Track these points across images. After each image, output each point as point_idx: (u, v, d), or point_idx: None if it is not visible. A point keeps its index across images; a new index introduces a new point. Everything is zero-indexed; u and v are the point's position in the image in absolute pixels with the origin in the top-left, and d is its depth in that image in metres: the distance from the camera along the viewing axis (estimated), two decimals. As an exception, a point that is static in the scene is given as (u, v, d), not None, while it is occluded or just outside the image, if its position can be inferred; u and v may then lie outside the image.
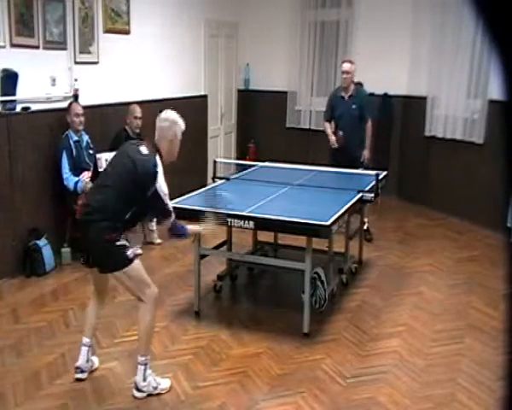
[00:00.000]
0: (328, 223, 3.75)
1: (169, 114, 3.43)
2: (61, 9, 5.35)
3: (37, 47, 5.13)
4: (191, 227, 3.55)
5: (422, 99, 7.32)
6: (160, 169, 3.26)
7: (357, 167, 5.62)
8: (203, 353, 3.79)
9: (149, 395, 3.29)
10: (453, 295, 4.87)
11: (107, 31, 5.96)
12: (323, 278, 4.21)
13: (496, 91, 5.80)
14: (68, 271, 5.18)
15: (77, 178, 5.18)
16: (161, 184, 3.24)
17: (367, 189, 4.76)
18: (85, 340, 3.45)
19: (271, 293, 5.14)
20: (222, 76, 8.35)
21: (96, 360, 3.57)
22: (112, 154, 5.35)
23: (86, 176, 5.22)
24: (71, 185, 5.17)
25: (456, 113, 6.93)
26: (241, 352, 3.81)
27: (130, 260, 3.20)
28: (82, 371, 3.42)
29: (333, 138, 6.00)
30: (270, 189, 4.77)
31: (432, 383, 3.47)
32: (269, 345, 3.89)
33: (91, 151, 5.41)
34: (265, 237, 5.30)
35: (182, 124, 3.44)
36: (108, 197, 3.21)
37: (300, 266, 3.98)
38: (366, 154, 6.01)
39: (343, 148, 5.91)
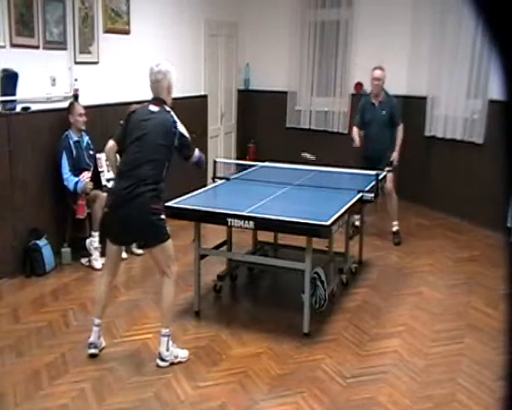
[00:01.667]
0: (328, 223, 3.75)
1: (160, 67, 3.61)
2: (61, 9, 5.35)
3: (37, 47, 5.13)
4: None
5: (422, 99, 7.32)
6: (176, 117, 3.57)
7: (381, 169, 5.64)
8: (203, 353, 3.79)
9: (171, 363, 3.58)
10: (453, 295, 4.87)
11: (107, 31, 5.96)
12: (323, 278, 4.21)
13: (496, 91, 5.80)
14: (68, 271, 5.18)
15: (77, 179, 5.19)
16: (183, 130, 3.59)
17: (367, 189, 4.76)
18: (96, 321, 3.67)
19: (271, 293, 5.14)
20: (222, 76, 8.35)
21: (102, 340, 3.78)
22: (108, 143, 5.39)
23: (86, 176, 5.23)
24: (71, 186, 5.17)
25: (456, 113, 6.93)
26: (241, 352, 3.81)
27: (169, 235, 3.53)
28: (95, 347, 3.66)
29: (357, 138, 6.12)
30: (270, 189, 4.77)
31: (432, 383, 3.47)
32: (269, 345, 3.89)
33: (91, 151, 5.42)
34: (265, 237, 5.30)
35: (173, 69, 3.67)
36: (145, 169, 3.44)
37: (300, 266, 3.98)
38: (396, 156, 6.13)
39: (371, 152, 6.03)
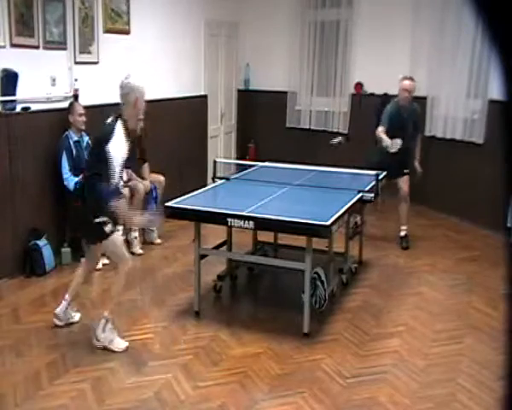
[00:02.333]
0: (328, 223, 3.75)
1: (127, 81, 3.75)
2: (61, 9, 5.35)
3: (37, 47, 5.13)
4: (122, 208, 3.73)
5: (422, 99, 7.31)
6: (117, 133, 3.58)
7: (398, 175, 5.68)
8: (203, 353, 3.78)
9: (105, 349, 3.75)
10: (453, 295, 4.87)
11: (107, 31, 5.96)
12: (323, 278, 4.21)
13: (496, 91, 5.80)
14: (68, 271, 5.17)
15: (77, 179, 5.18)
16: (114, 149, 3.54)
17: (367, 189, 4.76)
18: (66, 296, 4.04)
19: (271, 293, 5.14)
20: (222, 76, 8.35)
21: (76, 315, 4.17)
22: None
23: (86, 176, 5.23)
24: (71, 185, 5.16)
25: (456, 113, 6.93)
26: (241, 352, 3.81)
27: (108, 235, 3.70)
28: (59, 319, 4.03)
29: (389, 142, 5.60)
30: (270, 189, 4.77)
31: (432, 383, 3.47)
32: (269, 345, 3.89)
33: (91, 151, 5.42)
34: (265, 237, 5.30)
35: (140, 87, 3.76)
36: (90, 177, 3.71)
37: (300, 266, 3.98)
38: (418, 166, 6.01)
39: (395, 158, 5.67)
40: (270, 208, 4.11)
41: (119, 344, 3.79)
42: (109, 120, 3.70)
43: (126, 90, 3.71)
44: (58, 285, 4.86)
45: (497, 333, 3.99)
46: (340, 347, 3.90)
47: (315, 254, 4.05)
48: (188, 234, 5.09)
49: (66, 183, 5.18)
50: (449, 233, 6.51)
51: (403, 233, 6.07)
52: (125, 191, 5.42)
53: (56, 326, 4.03)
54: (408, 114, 5.86)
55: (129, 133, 3.66)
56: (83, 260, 5.24)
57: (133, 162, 5.11)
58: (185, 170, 7.23)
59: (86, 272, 4.15)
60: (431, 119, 7.29)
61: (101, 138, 3.63)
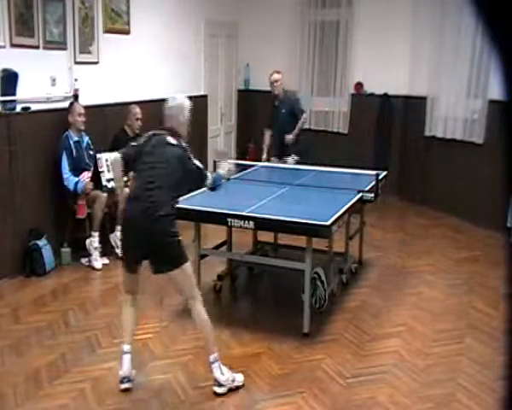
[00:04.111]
0: (328, 223, 3.75)
1: (175, 102, 3.57)
2: (61, 9, 5.35)
3: (37, 47, 5.13)
4: (221, 171, 3.78)
5: (422, 99, 7.32)
6: (189, 153, 3.46)
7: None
8: (203, 353, 3.77)
9: (229, 390, 3.32)
10: (453, 295, 4.87)
11: (107, 31, 5.96)
12: (323, 278, 4.21)
13: (496, 91, 5.80)
14: (68, 271, 5.18)
15: (77, 179, 5.19)
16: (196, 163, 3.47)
17: (367, 189, 4.76)
18: (126, 347, 3.38)
19: (271, 293, 5.14)
20: (222, 76, 8.35)
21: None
22: (112, 154, 5.37)
23: (86, 176, 5.23)
24: (71, 186, 5.17)
25: (456, 113, 6.93)
26: (241, 352, 3.81)
27: (186, 257, 3.32)
28: (129, 381, 3.34)
29: (264, 156, 6.33)
30: (270, 189, 4.77)
31: (432, 383, 3.47)
32: (269, 345, 3.89)
33: (91, 152, 5.42)
34: (265, 237, 5.30)
35: (187, 102, 3.63)
36: (163, 194, 3.27)
37: (300, 266, 3.98)
38: (289, 138, 6.14)
39: (278, 146, 6.26)
40: (270, 208, 4.11)
41: (239, 378, 3.42)
42: (173, 141, 3.39)
43: (176, 111, 3.51)
44: (58, 285, 4.87)
45: (497, 333, 3.99)
46: (340, 347, 3.90)
47: (315, 254, 4.05)
48: (188, 234, 5.08)
49: (66, 183, 5.18)
50: (449, 233, 6.51)
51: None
52: (126, 191, 5.42)
53: (126, 390, 3.34)
54: (281, 105, 6.22)
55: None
56: (83, 260, 5.26)
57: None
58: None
59: (134, 310, 3.51)
60: (431, 119, 7.30)
61: (185, 161, 3.38)
